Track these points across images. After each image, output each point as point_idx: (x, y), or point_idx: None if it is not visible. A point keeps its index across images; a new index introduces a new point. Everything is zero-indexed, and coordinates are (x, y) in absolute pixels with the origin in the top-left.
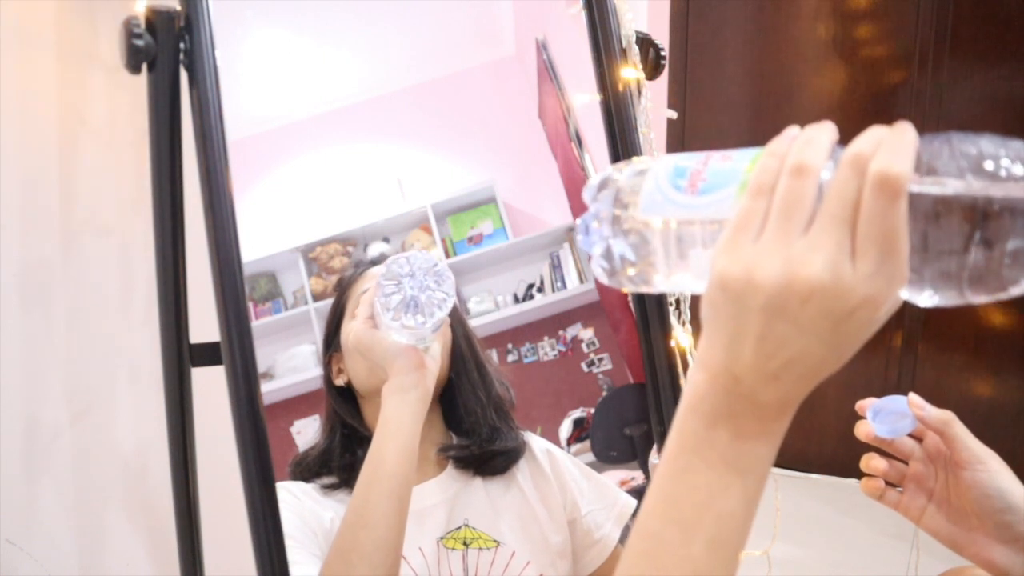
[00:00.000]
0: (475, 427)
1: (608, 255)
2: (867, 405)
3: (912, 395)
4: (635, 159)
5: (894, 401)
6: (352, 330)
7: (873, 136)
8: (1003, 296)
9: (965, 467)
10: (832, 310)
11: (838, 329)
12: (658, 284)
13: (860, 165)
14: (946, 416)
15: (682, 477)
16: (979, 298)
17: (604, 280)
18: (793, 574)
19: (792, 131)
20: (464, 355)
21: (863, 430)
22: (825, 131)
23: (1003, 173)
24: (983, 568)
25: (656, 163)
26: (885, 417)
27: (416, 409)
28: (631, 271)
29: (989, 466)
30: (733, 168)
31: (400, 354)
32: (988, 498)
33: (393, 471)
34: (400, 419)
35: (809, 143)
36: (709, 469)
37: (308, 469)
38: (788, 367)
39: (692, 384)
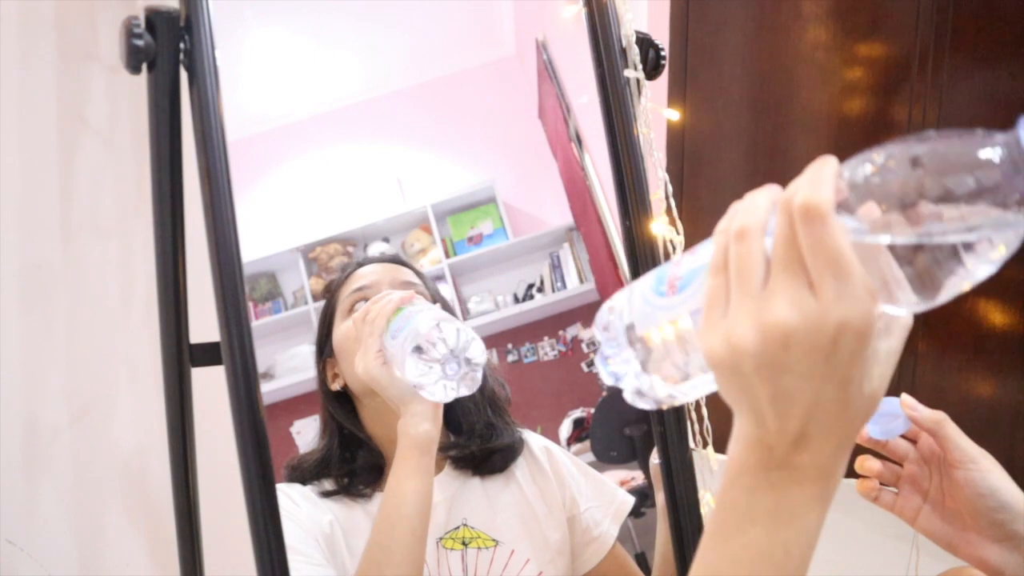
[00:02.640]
0: (472, 425)
1: (633, 379)
2: None
3: (904, 396)
4: (624, 290)
5: (887, 403)
6: (365, 367)
7: (797, 180)
8: (968, 286)
9: (957, 466)
10: (814, 346)
11: (831, 362)
12: (687, 390)
13: (788, 206)
14: (938, 416)
15: (725, 549)
16: (951, 294)
17: (641, 405)
18: None
19: (734, 207)
20: None
21: None
22: (763, 192)
23: (948, 191)
24: (978, 567)
25: (639, 282)
26: (878, 419)
27: (432, 448)
28: (660, 386)
29: (981, 465)
30: (699, 257)
31: (416, 398)
32: (981, 497)
33: (414, 510)
34: (418, 460)
35: (747, 208)
36: (752, 542)
37: (307, 473)
38: (810, 420)
39: (731, 458)
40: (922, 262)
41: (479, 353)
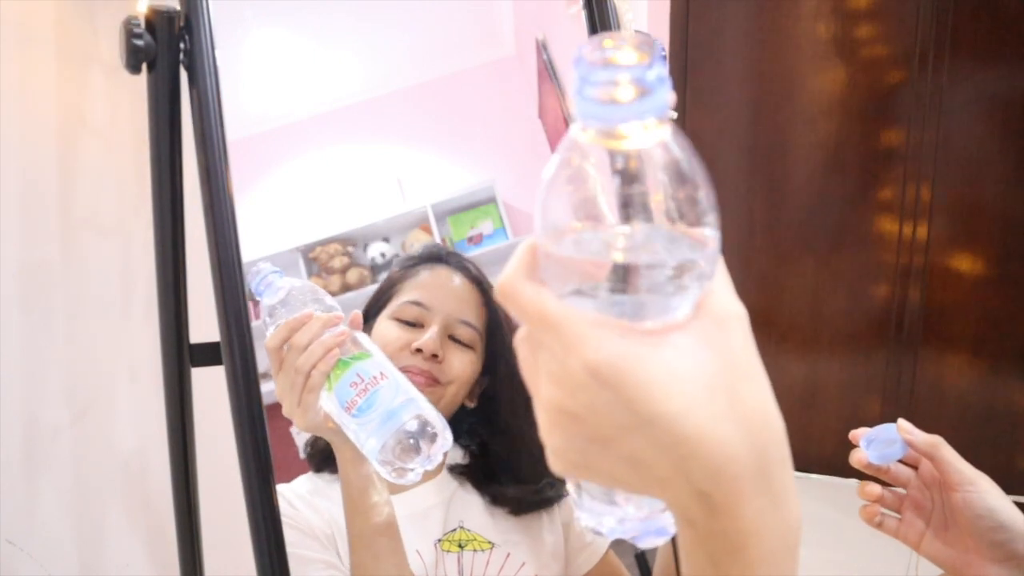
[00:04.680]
0: (507, 463)
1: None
2: (860, 435)
3: (901, 421)
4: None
5: (885, 430)
6: (307, 425)
7: None
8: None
9: (956, 489)
10: (589, 402)
11: (620, 406)
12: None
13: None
14: (934, 440)
15: None
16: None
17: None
18: None
19: None
20: (504, 406)
21: (856, 457)
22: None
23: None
24: None
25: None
26: (876, 444)
27: (382, 485)
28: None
29: (979, 486)
30: None
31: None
32: (980, 518)
33: (392, 546)
34: (379, 495)
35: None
36: None
37: (324, 455)
38: (682, 473)
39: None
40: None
41: (448, 445)
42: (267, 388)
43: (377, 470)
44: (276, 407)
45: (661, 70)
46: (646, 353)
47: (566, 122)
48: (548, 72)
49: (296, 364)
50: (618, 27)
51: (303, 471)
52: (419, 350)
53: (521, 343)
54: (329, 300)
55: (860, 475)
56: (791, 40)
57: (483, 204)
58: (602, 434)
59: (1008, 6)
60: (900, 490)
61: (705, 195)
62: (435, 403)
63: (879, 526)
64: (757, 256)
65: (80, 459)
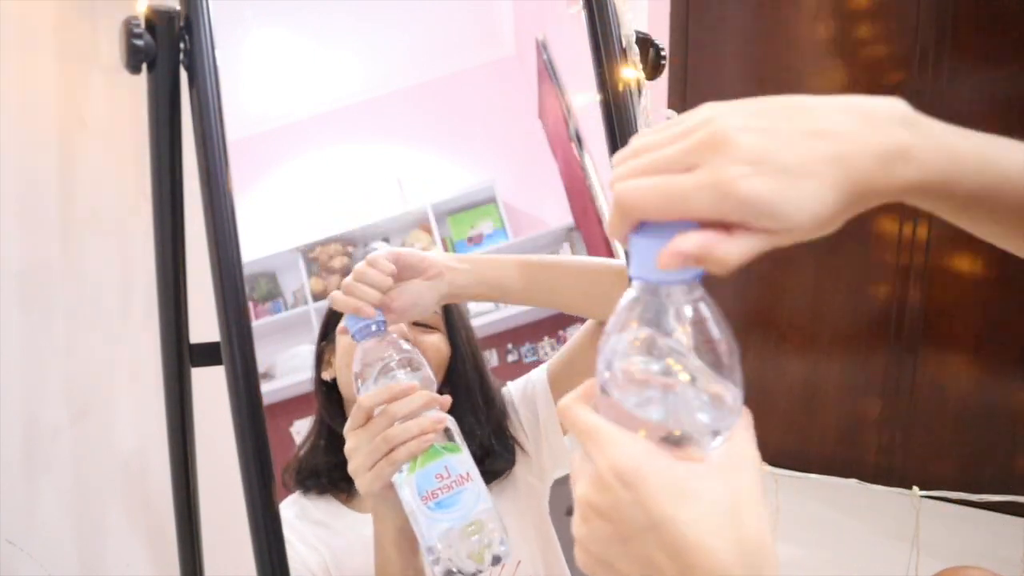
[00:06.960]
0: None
1: None
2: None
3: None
4: None
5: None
6: (368, 490)
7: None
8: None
9: None
10: (613, 501)
11: (638, 508)
12: None
13: None
14: None
15: None
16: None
17: None
18: (793, 574)
19: None
20: (468, 374)
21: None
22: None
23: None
24: None
25: None
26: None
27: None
28: None
29: None
30: None
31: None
32: None
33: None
34: (393, 545)
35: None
36: None
37: (301, 476)
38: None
39: None
40: (664, 409)
41: (507, 560)
42: (267, 388)
43: (424, 559)
44: (276, 407)
45: None
46: (665, 465)
47: (566, 122)
48: (548, 72)
49: (386, 432)
50: (618, 27)
51: None
52: None
53: (576, 458)
54: (429, 372)
55: (860, 475)
56: (791, 40)
57: (483, 204)
58: (621, 533)
59: (1008, 6)
60: None
61: (733, 356)
62: None
63: None
64: (757, 256)
65: (80, 459)
